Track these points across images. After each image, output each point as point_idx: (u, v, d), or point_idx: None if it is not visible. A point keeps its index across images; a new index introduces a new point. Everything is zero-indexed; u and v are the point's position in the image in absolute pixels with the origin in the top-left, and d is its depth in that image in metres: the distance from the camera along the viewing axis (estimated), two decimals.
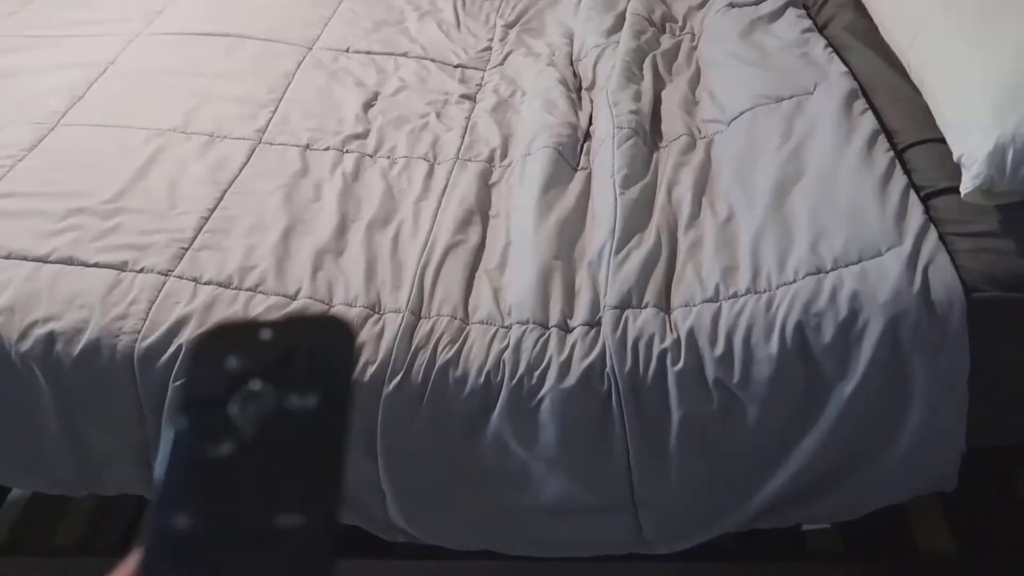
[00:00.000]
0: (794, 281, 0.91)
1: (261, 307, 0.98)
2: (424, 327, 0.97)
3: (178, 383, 0.22)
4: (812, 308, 0.88)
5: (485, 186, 1.18)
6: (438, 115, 1.32)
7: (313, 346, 0.25)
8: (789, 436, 0.92)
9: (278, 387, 0.24)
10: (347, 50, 1.46)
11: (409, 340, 0.96)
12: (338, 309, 1.00)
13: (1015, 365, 0.86)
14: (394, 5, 1.61)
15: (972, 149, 0.82)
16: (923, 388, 0.86)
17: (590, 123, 1.27)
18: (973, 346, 0.84)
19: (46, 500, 1.32)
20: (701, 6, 1.43)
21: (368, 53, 1.47)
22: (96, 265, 1.02)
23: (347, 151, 1.24)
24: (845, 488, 0.94)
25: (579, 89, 1.36)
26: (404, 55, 1.47)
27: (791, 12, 1.31)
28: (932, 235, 0.88)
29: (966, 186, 0.83)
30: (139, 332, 0.96)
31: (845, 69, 1.14)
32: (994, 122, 0.80)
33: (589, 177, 1.16)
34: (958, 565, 1.13)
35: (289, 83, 1.36)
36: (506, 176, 1.20)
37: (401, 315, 0.97)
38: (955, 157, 0.85)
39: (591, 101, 1.31)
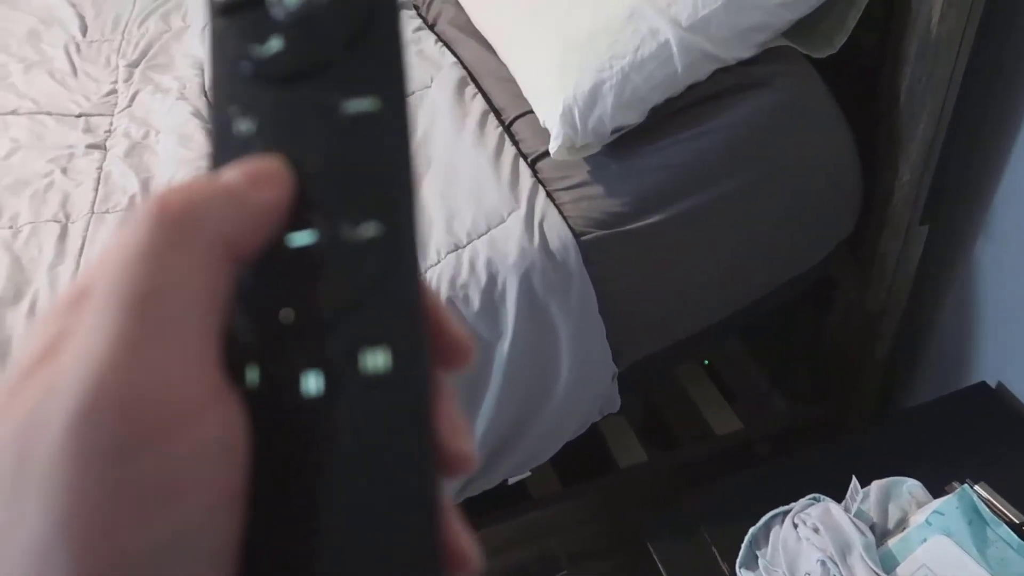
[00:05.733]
0: (438, 262, 0.97)
1: None
2: None
3: None
4: (458, 282, 0.95)
5: None
6: (64, 171, 1.23)
7: None
8: (470, 401, 0.98)
9: None
10: None
11: None
12: None
13: (629, 290, 0.99)
14: None
15: (549, 114, 0.94)
16: (565, 327, 0.97)
17: None
18: (593, 280, 0.96)
19: None
20: None
21: None
22: None
23: None
24: (530, 434, 1.03)
25: None
26: (13, 113, 1.34)
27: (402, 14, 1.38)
28: (541, 194, 0.99)
29: (552, 146, 0.95)
30: None
31: (454, 60, 1.23)
32: (558, 89, 0.92)
33: None
34: (652, 469, 1.29)
35: None
36: None
37: None
38: (541, 124, 0.96)
39: None
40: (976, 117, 1.05)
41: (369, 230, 0.19)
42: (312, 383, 0.19)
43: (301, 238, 0.19)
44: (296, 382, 0.19)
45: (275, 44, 0.20)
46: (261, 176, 0.19)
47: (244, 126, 0.20)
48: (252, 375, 0.19)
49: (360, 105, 0.20)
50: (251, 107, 0.20)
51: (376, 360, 0.19)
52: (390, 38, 0.20)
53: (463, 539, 0.19)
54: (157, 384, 0.16)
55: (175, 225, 0.17)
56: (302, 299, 0.19)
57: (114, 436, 0.16)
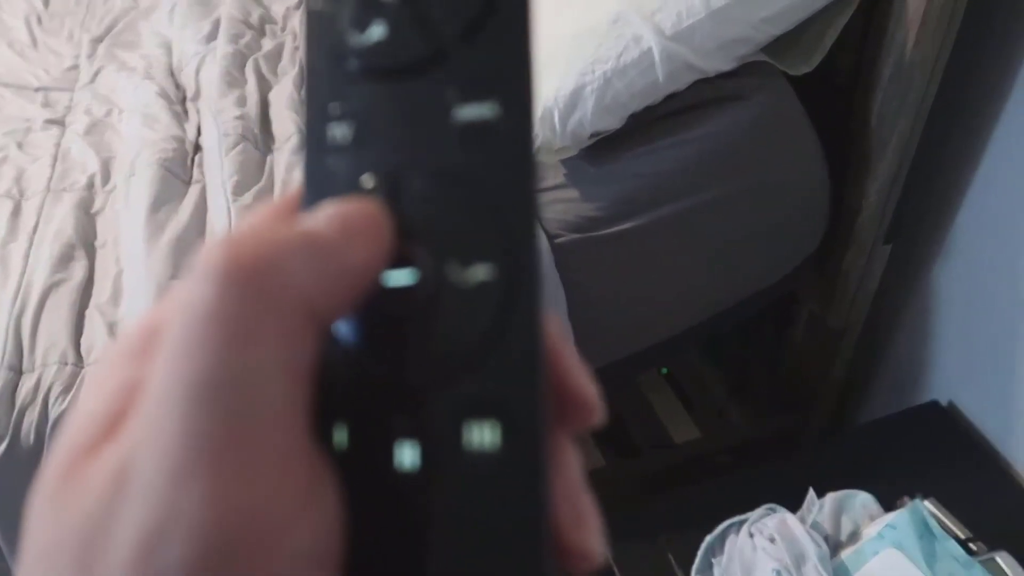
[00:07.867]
0: None
1: None
2: (28, 382, 0.87)
3: None
4: None
5: (86, 215, 1.08)
6: (19, 145, 1.18)
7: None
8: None
9: None
10: None
11: (11, 400, 0.85)
12: None
13: (599, 295, 1.00)
14: None
15: None
16: None
17: (199, 134, 1.22)
18: (564, 284, 0.96)
19: None
20: (299, 6, 1.44)
21: None
22: None
23: None
24: None
25: (184, 100, 1.29)
26: None
27: None
28: None
29: None
30: None
31: None
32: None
33: (204, 190, 1.12)
34: (610, 475, 1.30)
35: None
36: (111, 202, 1.11)
37: None
38: None
39: (198, 111, 1.26)
40: (942, 142, 1.08)
41: (480, 273, 0.16)
42: (407, 456, 0.16)
43: (399, 277, 0.16)
44: (389, 452, 0.16)
45: (377, 31, 0.17)
46: (355, 228, 0.16)
47: (339, 132, 0.17)
48: (340, 437, 0.16)
49: (476, 111, 0.16)
50: (346, 109, 0.17)
51: (483, 435, 0.16)
52: (517, 26, 0.17)
53: None
54: (240, 500, 0.14)
55: (249, 285, 0.15)
56: (397, 352, 0.16)
57: (191, 568, 0.13)
